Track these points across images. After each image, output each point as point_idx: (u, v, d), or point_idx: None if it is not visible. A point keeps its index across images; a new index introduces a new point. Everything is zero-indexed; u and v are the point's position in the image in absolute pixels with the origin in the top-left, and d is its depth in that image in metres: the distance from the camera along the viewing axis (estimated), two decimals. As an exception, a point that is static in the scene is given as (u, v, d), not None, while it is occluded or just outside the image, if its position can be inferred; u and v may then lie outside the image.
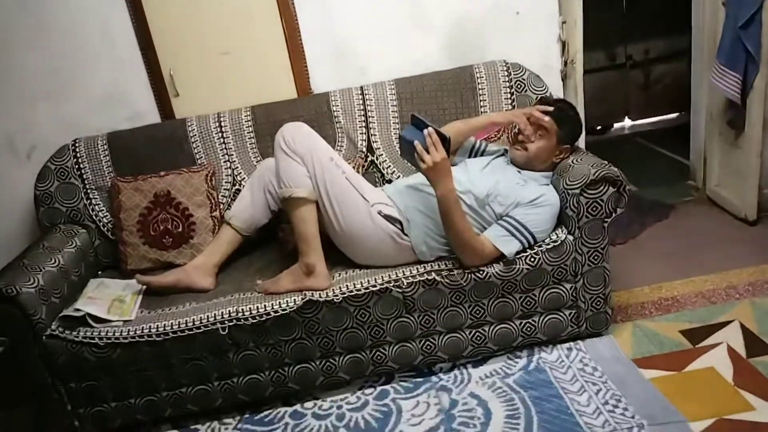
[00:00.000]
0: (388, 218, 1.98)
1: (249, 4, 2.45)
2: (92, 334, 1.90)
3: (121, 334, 1.89)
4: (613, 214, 1.93)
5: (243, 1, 2.44)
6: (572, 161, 2.00)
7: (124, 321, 1.94)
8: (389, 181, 2.34)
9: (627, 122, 4.63)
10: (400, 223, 1.98)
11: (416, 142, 1.78)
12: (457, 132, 2.09)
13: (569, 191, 1.91)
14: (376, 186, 2.21)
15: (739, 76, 2.56)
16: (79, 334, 1.90)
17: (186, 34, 2.46)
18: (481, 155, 2.20)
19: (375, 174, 2.38)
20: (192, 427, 2.02)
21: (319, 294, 1.90)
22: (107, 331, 1.90)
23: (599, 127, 4.55)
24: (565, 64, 2.59)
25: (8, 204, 2.56)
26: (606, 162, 1.94)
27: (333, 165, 1.97)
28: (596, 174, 1.87)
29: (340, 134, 2.39)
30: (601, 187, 1.89)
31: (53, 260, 2.06)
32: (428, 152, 1.76)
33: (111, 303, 1.99)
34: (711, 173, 3.04)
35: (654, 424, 1.68)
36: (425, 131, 1.78)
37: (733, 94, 2.60)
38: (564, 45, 2.57)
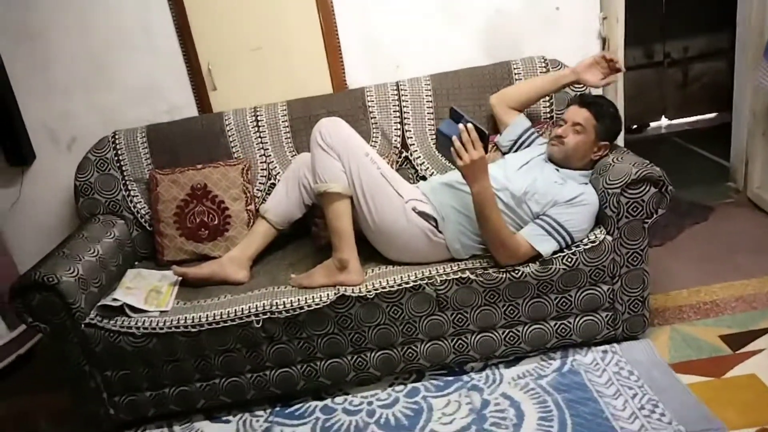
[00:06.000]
0: (423, 215, 1.96)
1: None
2: (129, 323, 1.93)
3: (157, 325, 1.91)
4: (654, 215, 1.88)
5: (281, -4, 2.45)
6: (612, 160, 1.96)
7: (161, 311, 1.97)
8: (423, 178, 2.33)
9: (664, 121, 4.52)
10: (435, 220, 1.96)
11: (454, 138, 1.74)
12: (517, 101, 2.23)
13: (609, 190, 1.87)
14: (410, 183, 2.20)
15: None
16: (117, 324, 1.93)
17: (225, 28, 2.48)
18: (527, 147, 2.16)
19: (408, 170, 2.37)
20: (224, 418, 2.04)
21: (352, 289, 1.90)
22: (144, 321, 1.93)
23: (635, 126, 4.46)
24: (605, 61, 2.54)
25: (49, 194, 2.62)
26: (648, 161, 1.90)
27: (368, 161, 1.97)
28: (638, 173, 1.83)
29: (374, 130, 2.38)
30: (643, 187, 1.84)
31: (92, 250, 2.10)
32: (466, 148, 1.74)
33: (148, 293, 2.02)
34: (753, 175, 2.96)
35: (692, 431, 1.64)
36: (462, 126, 1.74)
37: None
38: (604, 41, 2.52)
